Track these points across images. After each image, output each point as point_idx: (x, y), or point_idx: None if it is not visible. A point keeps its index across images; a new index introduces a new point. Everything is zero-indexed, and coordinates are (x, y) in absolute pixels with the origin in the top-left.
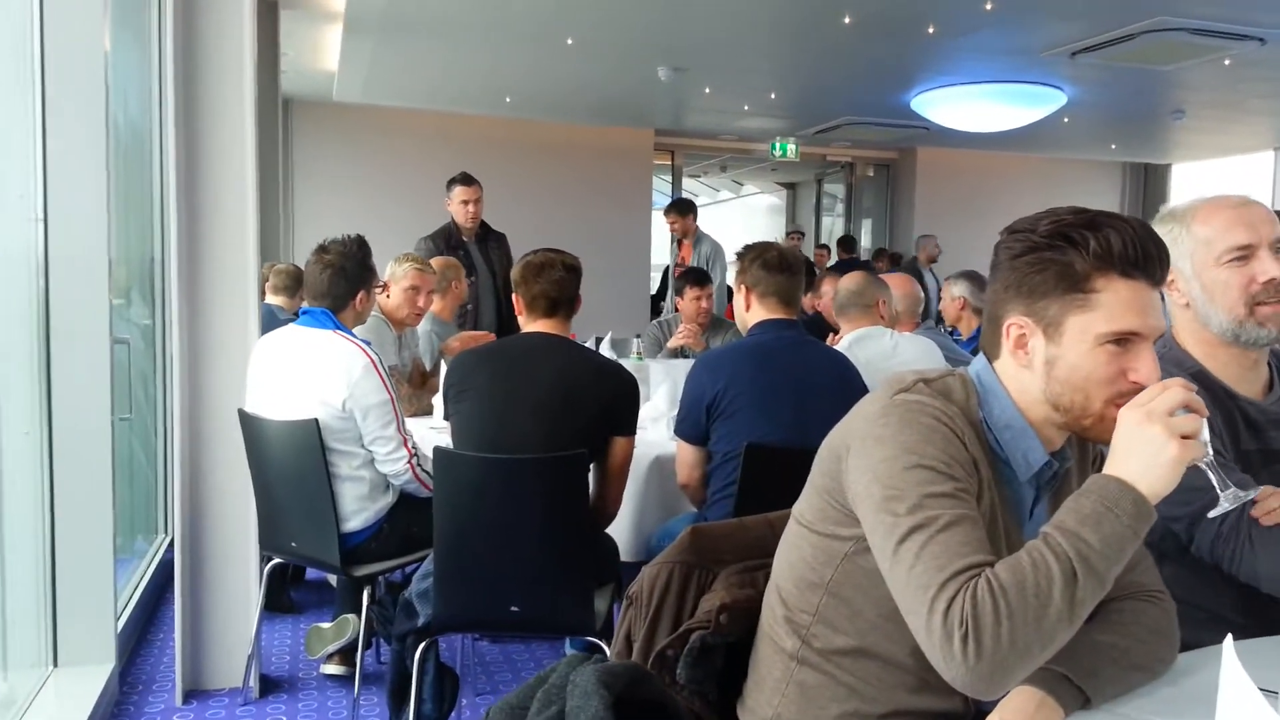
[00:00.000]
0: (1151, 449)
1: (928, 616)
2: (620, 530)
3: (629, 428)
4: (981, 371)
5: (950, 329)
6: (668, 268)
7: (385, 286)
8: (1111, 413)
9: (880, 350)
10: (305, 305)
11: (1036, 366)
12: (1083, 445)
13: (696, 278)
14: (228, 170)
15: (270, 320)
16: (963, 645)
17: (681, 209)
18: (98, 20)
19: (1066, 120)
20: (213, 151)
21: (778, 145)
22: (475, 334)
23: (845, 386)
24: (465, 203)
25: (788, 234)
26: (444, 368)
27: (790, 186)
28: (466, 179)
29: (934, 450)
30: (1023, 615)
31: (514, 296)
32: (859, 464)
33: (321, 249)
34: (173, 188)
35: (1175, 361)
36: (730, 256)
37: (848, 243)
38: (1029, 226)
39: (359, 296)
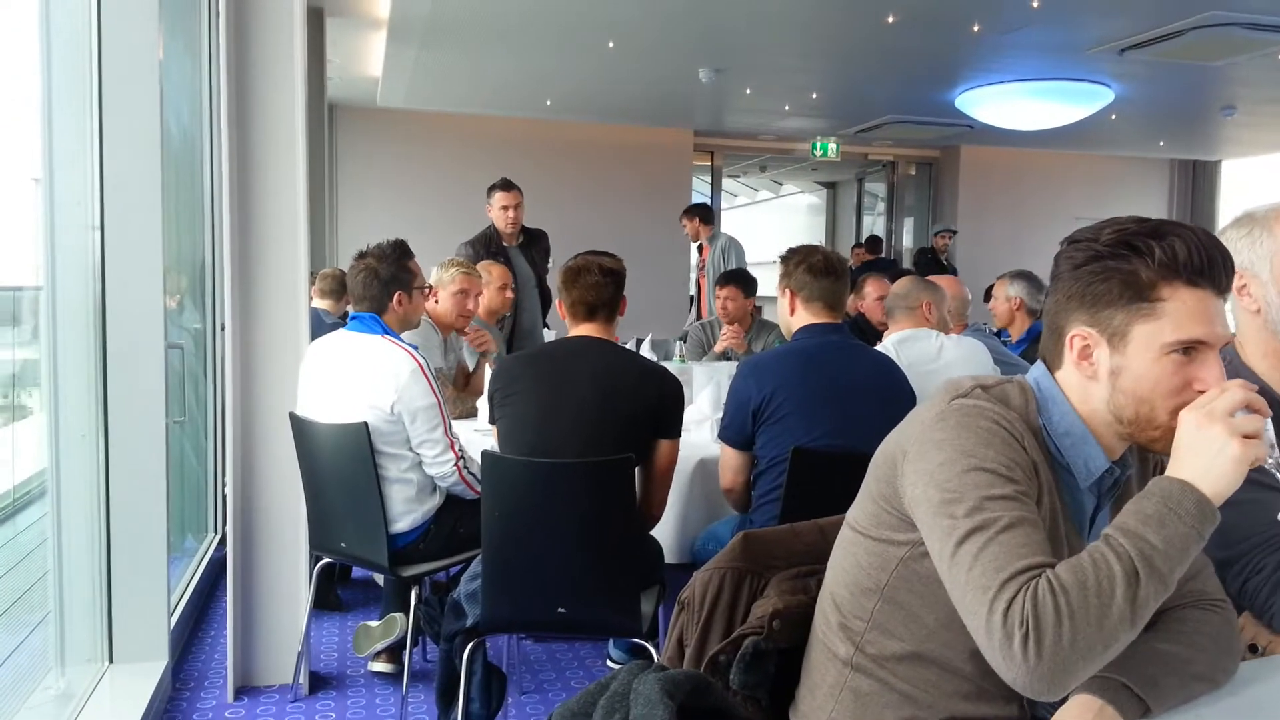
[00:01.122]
0: (1213, 449)
1: (987, 617)
2: (664, 533)
3: (674, 430)
4: (1041, 379)
5: (999, 330)
6: None
7: (433, 291)
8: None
9: (924, 352)
10: (351, 310)
11: (1101, 377)
12: (1143, 454)
13: (722, 279)
14: (279, 176)
15: (316, 324)
16: (1023, 646)
17: (689, 212)
18: (152, 30)
19: (1114, 117)
20: (264, 158)
21: (818, 145)
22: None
23: (891, 389)
24: (505, 208)
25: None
26: (488, 370)
27: (830, 186)
28: (507, 185)
29: (993, 453)
30: (1084, 615)
31: (557, 301)
32: (916, 469)
33: (360, 254)
34: (225, 194)
35: (1235, 374)
36: (762, 255)
37: (874, 243)
38: (1091, 236)
39: (396, 298)
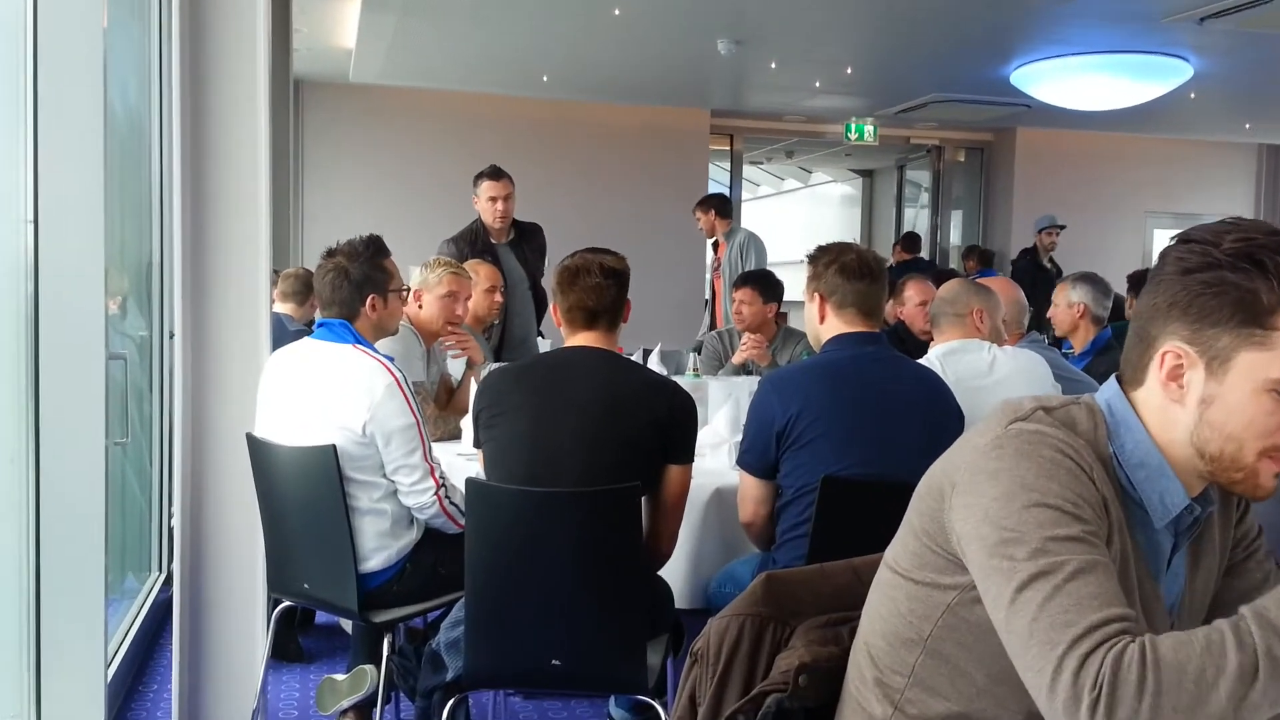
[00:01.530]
0: None
1: (1053, 675)
2: (675, 573)
3: (685, 455)
4: (1113, 400)
5: (1060, 341)
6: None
7: (417, 295)
8: (1266, 466)
9: (973, 366)
10: (318, 316)
11: (1189, 403)
12: (1227, 492)
13: (738, 281)
14: (238, 162)
15: (279, 330)
16: (1091, 712)
17: (704, 204)
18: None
19: (1193, 96)
20: (221, 141)
21: (853, 127)
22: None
23: (936, 409)
24: (494, 200)
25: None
26: (474, 386)
27: (867, 174)
28: (495, 173)
29: (1057, 487)
30: (1173, 699)
31: (552, 305)
32: (967, 502)
33: (329, 252)
34: (176, 183)
35: None
36: (787, 253)
37: (910, 241)
38: (1210, 239)
39: (370, 302)
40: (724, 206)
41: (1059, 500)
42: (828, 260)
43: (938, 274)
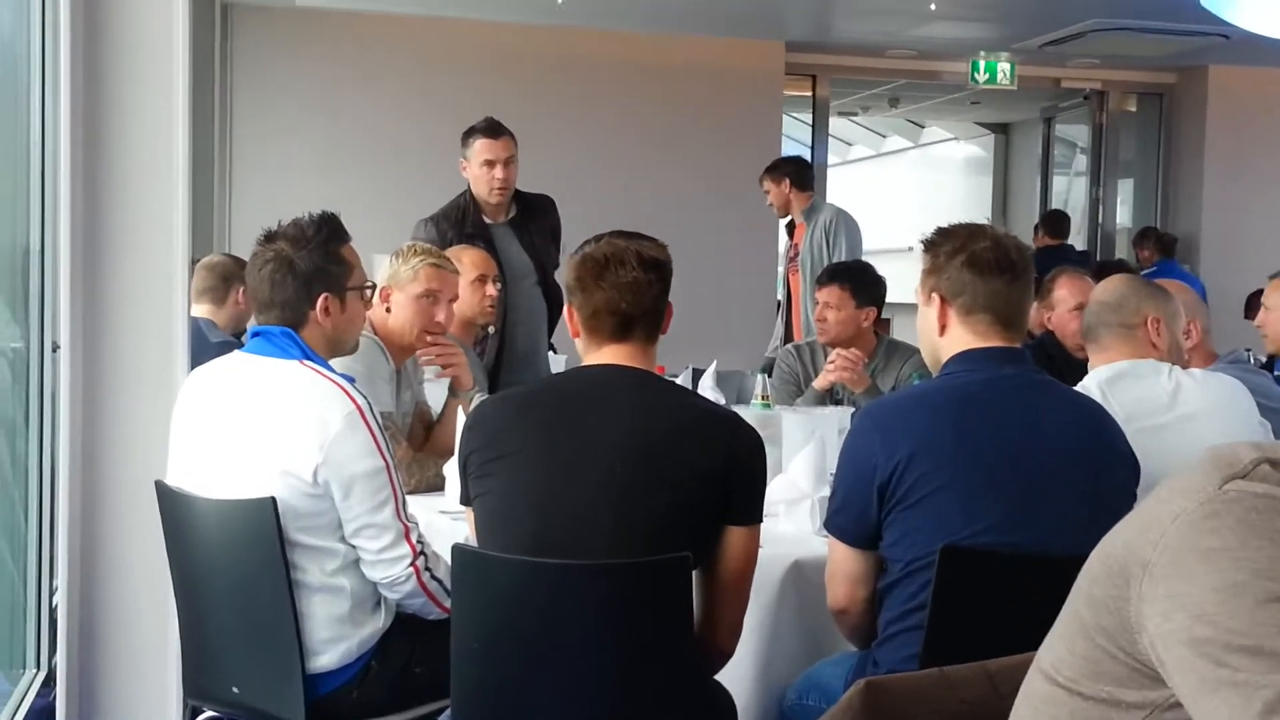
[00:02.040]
0: None
1: None
2: (738, 678)
3: (751, 514)
4: None
5: (1270, 359)
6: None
7: (384, 295)
8: None
9: (1149, 397)
10: (252, 322)
11: None
12: None
13: (823, 276)
14: (146, 113)
15: (199, 342)
16: None
17: (776, 171)
18: None
19: None
20: (124, 85)
21: (982, 65)
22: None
23: (1101, 456)
24: (490, 164)
25: None
26: (462, 417)
27: (1001, 129)
28: (492, 129)
29: None
30: None
31: (566, 308)
32: (1171, 593)
33: (268, 236)
34: (64, 142)
35: None
36: (890, 238)
37: (1056, 222)
38: None
39: (322, 303)
40: (802, 174)
41: None
42: (951, 248)
43: (1100, 267)
